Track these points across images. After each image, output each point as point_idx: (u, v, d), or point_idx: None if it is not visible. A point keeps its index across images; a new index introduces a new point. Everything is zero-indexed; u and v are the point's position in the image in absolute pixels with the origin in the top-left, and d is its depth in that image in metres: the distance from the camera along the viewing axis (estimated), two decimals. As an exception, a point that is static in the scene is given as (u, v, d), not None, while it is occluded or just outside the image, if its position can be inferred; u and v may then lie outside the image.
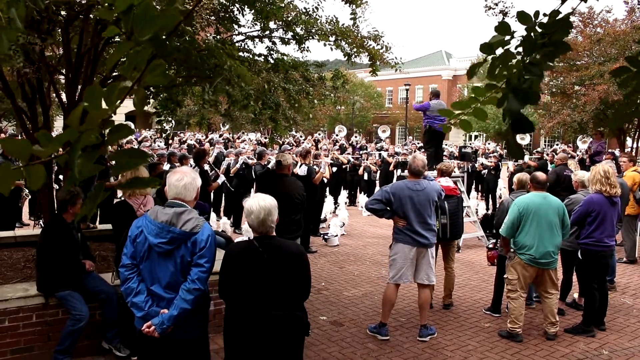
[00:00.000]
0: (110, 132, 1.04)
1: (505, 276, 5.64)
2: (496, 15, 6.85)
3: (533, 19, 1.64)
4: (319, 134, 30.01)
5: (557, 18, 1.62)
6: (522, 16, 1.65)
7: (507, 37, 1.65)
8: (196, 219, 3.04)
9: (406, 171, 5.87)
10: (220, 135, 23.64)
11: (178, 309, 2.95)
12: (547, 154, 15.36)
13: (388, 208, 5.33)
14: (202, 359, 3.24)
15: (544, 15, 1.64)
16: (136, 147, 15.95)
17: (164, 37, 1.04)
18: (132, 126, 27.50)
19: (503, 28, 1.64)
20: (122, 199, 4.54)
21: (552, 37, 1.61)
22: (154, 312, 3.01)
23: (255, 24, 6.30)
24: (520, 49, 1.68)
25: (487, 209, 13.75)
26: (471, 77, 1.80)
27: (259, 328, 2.97)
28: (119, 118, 30.55)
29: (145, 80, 1.04)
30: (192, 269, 3.00)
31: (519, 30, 1.67)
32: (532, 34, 1.64)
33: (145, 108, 9.14)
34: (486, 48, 1.67)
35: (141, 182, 1.17)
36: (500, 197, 14.03)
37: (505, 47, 1.66)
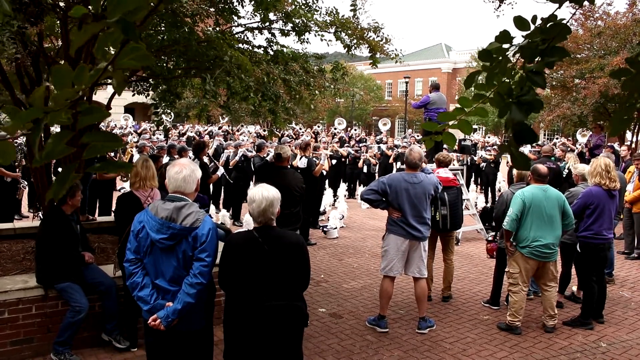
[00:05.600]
0: (82, 113, 1.00)
1: (507, 270, 5.64)
2: (492, 1, 6.81)
3: (531, 24, 1.61)
4: (318, 126, 29.95)
5: (554, 22, 1.59)
6: (519, 22, 1.61)
7: (507, 45, 1.62)
8: (196, 213, 3.04)
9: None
10: (220, 128, 23.58)
11: (182, 303, 2.98)
12: (547, 147, 15.31)
13: (383, 199, 5.32)
14: (206, 349, 3.26)
15: (542, 19, 1.61)
16: (135, 139, 15.92)
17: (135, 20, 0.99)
18: (131, 118, 27.46)
19: (503, 36, 1.62)
20: (129, 191, 4.52)
21: (551, 43, 1.59)
22: (160, 306, 3.04)
23: (255, 15, 6.27)
24: (517, 56, 1.65)
25: (487, 202, 13.76)
26: (469, 86, 1.77)
27: (259, 318, 2.98)
28: (117, 110, 29.90)
29: (120, 63, 1.00)
30: (194, 263, 3.00)
31: (517, 35, 1.64)
32: (531, 40, 1.61)
33: (144, 100, 9.05)
34: (485, 55, 1.64)
35: (113, 165, 1.16)
36: (499, 190, 14.04)
37: (505, 55, 1.63)
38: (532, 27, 1.59)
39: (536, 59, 1.60)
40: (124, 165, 1.15)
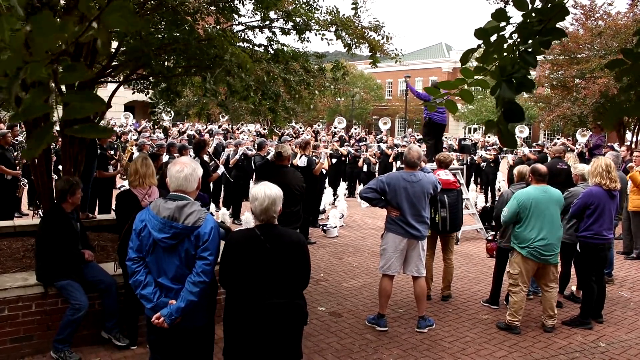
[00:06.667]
0: (64, 69, 0.96)
1: (507, 270, 5.64)
2: (497, 3, 6.79)
3: (529, 4, 1.62)
4: (318, 125, 29.94)
5: (553, 4, 1.60)
6: (518, 1, 1.63)
7: (503, 24, 1.63)
8: (198, 212, 3.04)
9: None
10: (220, 126, 23.57)
11: (185, 302, 2.99)
12: (548, 147, 15.33)
13: (382, 197, 5.33)
14: (207, 346, 3.27)
15: (540, 0, 1.62)
16: (135, 137, 15.92)
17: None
18: (131, 117, 27.45)
19: (500, 15, 1.63)
20: (128, 188, 4.53)
21: (548, 24, 1.60)
22: (163, 303, 3.04)
23: (256, 14, 6.27)
24: (515, 35, 1.66)
25: (486, 201, 13.76)
26: (464, 63, 1.79)
27: (260, 316, 2.99)
28: (117, 108, 29.82)
29: (106, 19, 0.96)
30: (197, 262, 3.01)
31: (515, 16, 1.65)
32: (528, 20, 1.62)
33: (144, 98, 9.07)
34: (481, 33, 1.65)
35: (94, 129, 1.12)
36: (499, 190, 14.04)
37: (500, 34, 1.65)
38: (530, 7, 1.60)
39: (532, 39, 1.61)
40: (104, 130, 1.11)
